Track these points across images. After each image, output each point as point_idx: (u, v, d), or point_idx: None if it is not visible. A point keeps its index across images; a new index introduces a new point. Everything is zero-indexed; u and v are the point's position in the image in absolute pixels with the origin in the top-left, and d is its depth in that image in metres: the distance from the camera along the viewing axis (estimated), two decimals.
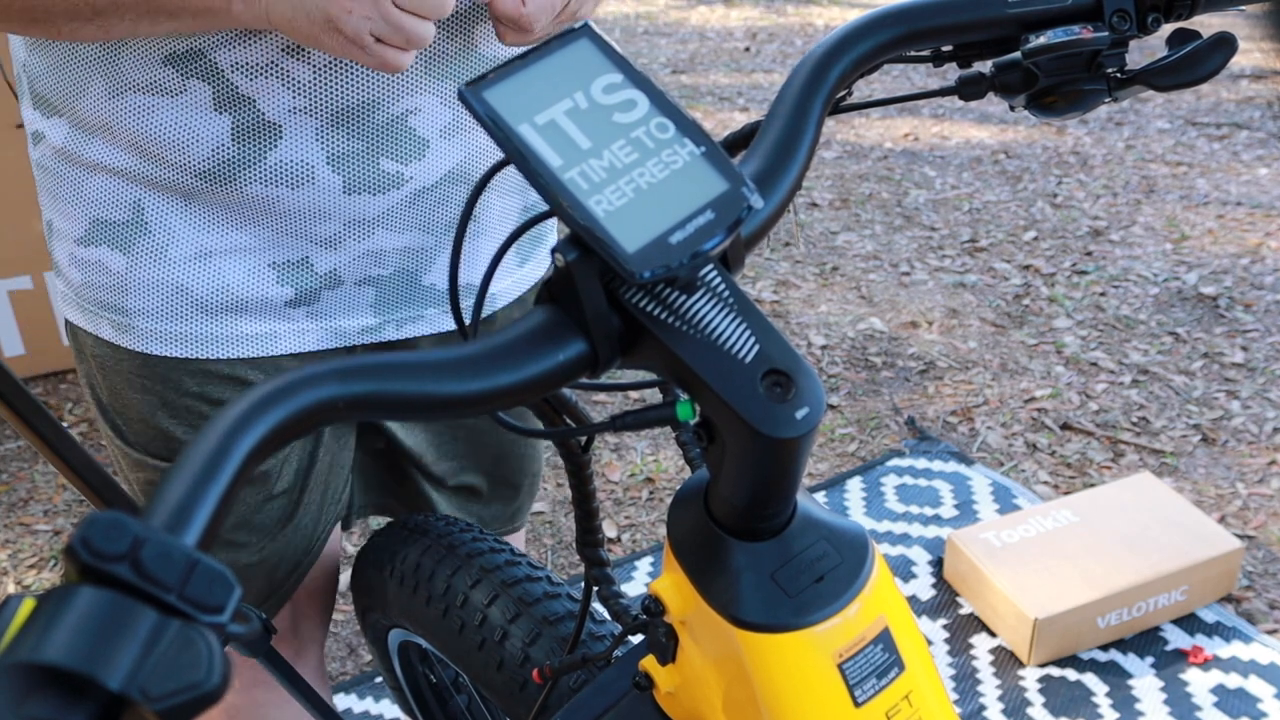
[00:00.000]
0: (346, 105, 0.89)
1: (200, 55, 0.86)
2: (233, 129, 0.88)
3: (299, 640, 1.15)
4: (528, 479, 1.23)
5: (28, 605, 0.32)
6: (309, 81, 0.87)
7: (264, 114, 0.88)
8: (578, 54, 0.49)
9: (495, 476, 1.19)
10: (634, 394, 2.64)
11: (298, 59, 0.86)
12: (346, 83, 0.88)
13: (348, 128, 0.90)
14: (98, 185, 0.93)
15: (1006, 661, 1.94)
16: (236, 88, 0.87)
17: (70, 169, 0.94)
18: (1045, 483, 2.37)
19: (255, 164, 0.90)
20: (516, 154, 0.47)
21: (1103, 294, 3.04)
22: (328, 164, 0.90)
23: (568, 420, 0.64)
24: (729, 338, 0.48)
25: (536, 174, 0.46)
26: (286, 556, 1.06)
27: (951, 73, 0.71)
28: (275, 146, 0.89)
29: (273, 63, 0.86)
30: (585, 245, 0.47)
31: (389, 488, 1.17)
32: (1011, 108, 0.72)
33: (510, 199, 1.03)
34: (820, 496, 2.37)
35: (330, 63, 0.87)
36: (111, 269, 0.95)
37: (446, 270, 1.00)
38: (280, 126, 0.89)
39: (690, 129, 0.49)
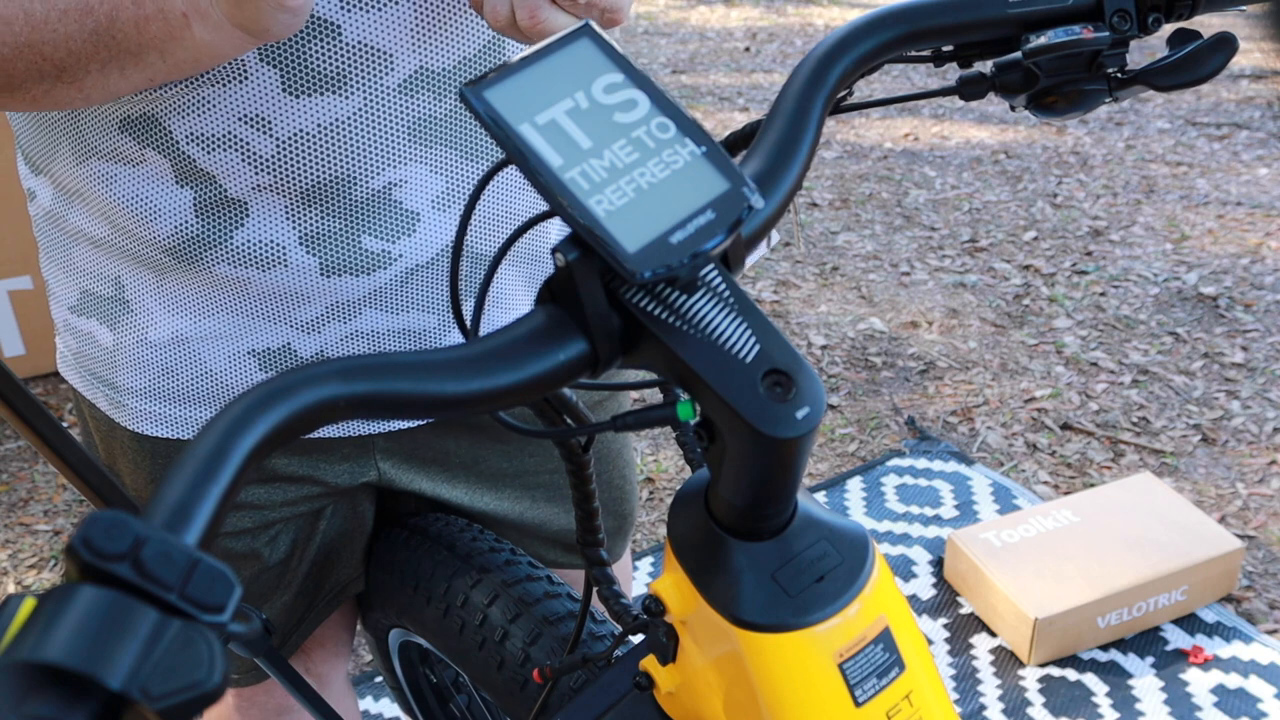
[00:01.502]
0: (318, 181, 0.81)
1: (155, 123, 0.79)
2: (195, 204, 0.82)
3: (313, 678, 1.11)
4: (619, 520, 1.14)
5: (28, 604, 0.32)
6: (272, 156, 0.79)
7: (226, 190, 0.81)
8: (578, 53, 0.49)
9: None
10: (634, 394, 2.64)
11: (257, 130, 0.78)
12: (315, 157, 0.80)
13: (322, 205, 0.82)
14: (82, 255, 0.89)
15: (1006, 661, 1.94)
16: (194, 161, 0.80)
17: (59, 234, 0.90)
18: (1045, 483, 2.37)
19: (221, 243, 0.83)
20: (517, 154, 0.47)
21: (1103, 294, 3.04)
22: (301, 244, 0.83)
23: (568, 420, 0.64)
24: (729, 337, 0.48)
25: (537, 173, 0.46)
26: (288, 618, 1.03)
27: (952, 73, 0.71)
28: (242, 225, 0.82)
29: (230, 134, 0.78)
30: (586, 245, 0.47)
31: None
32: (1012, 108, 0.72)
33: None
34: (820, 496, 2.37)
35: (295, 135, 0.79)
36: (101, 343, 0.91)
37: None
38: (245, 204, 0.82)
39: (691, 129, 0.49)
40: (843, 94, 0.66)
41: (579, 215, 0.46)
